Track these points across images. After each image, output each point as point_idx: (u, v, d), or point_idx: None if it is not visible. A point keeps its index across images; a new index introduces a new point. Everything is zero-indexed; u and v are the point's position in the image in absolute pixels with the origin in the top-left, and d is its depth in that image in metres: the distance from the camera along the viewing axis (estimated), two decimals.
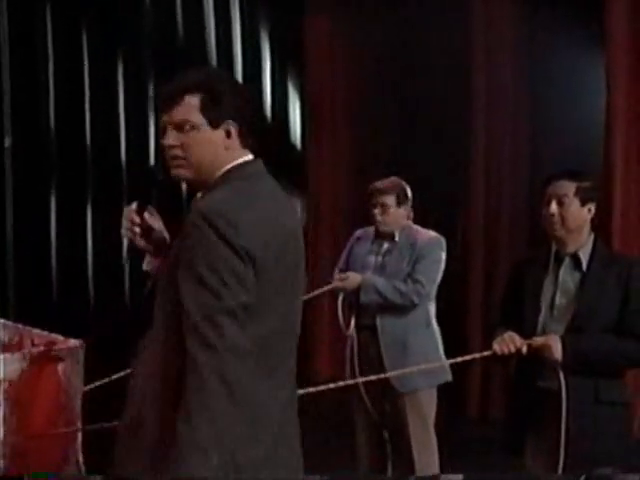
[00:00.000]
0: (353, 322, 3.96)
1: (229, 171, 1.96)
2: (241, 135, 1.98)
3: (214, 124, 1.95)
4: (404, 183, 4.00)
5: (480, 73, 6.46)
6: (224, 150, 1.96)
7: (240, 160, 1.98)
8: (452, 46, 6.45)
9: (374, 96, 7.00)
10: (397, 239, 3.95)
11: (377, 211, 3.93)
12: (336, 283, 3.93)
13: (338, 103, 7.41)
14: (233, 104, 1.97)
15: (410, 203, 3.99)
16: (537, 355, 2.91)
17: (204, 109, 1.95)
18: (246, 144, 2.00)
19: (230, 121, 1.96)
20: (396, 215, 3.93)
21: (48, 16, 5.71)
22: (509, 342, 2.95)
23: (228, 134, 1.97)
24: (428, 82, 6.58)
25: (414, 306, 3.86)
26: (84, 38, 5.97)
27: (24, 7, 5.51)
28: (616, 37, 5.57)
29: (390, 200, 3.92)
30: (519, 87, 6.36)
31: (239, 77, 7.01)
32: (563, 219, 2.95)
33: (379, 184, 3.98)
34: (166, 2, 6.52)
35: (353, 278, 3.87)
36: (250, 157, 2.00)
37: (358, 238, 4.10)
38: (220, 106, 1.95)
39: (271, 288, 1.88)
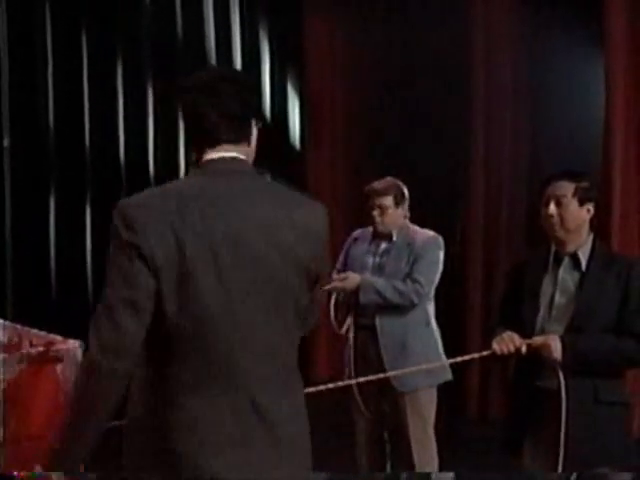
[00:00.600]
0: (348, 322, 3.95)
1: (189, 170, 2.04)
2: (194, 134, 2.03)
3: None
4: (400, 183, 4.00)
5: (480, 73, 6.47)
6: (195, 150, 2.03)
7: (204, 159, 2.00)
8: (452, 46, 6.46)
9: (373, 96, 7.01)
10: (395, 239, 3.95)
11: (375, 212, 3.92)
12: (335, 283, 3.92)
13: (337, 104, 7.41)
14: (183, 105, 2.04)
15: (407, 203, 3.99)
16: (536, 355, 2.91)
17: None
18: (211, 141, 2.00)
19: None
20: (394, 216, 3.94)
21: (47, 16, 5.71)
22: (508, 342, 2.96)
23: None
24: (428, 82, 6.59)
25: (413, 306, 3.86)
26: (83, 38, 5.97)
27: (23, 7, 5.51)
28: (615, 37, 5.57)
29: (388, 201, 3.92)
30: (519, 87, 6.36)
31: None
32: (562, 219, 2.95)
33: (376, 185, 3.97)
34: (165, 3, 6.52)
35: (352, 278, 3.87)
36: (218, 155, 1.99)
37: (355, 239, 4.10)
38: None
39: (179, 290, 1.86)
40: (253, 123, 2.06)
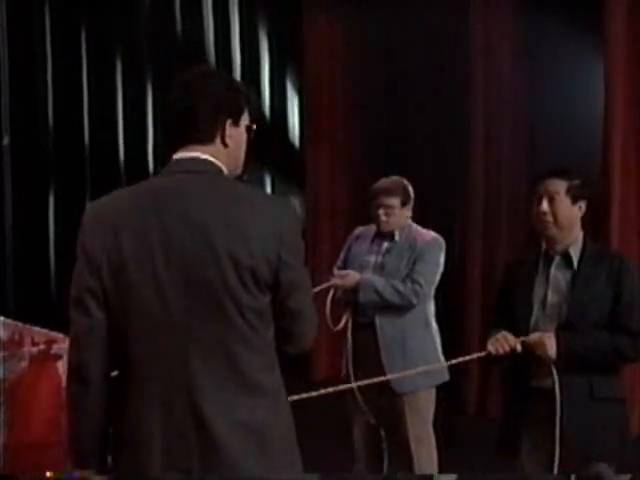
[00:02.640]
0: (344, 319, 3.94)
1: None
2: (168, 131, 2.04)
3: None
4: (407, 183, 3.97)
5: (479, 72, 6.46)
6: (166, 149, 2.05)
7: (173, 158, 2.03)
8: (452, 45, 6.47)
9: (373, 95, 7.01)
10: (397, 239, 3.94)
11: (381, 212, 3.90)
12: (335, 280, 3.92)
13: (336, 102, 7.41)
14: (167, 104, 2.04)
15: (412, 203, 3.98)
16: (531, 353, 2.92)
17: None
18: (178, 140, 2.00)
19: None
20: (400, 216, 3.92)
21: (47, 15, 5.72)
22: (503, 342, 2.97)
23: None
24: (427, 81, 6.60)
25: (412, 306, 3.86)
26: (82, 37, 5.97)
27: (23, 6, 5.52)
28: (615, 37, 5.58)
29: (395, 201, 3.88)
30: (519, 86, 6.36)
31: (238, 77, 7.02)
32: (555, 217, 2.96)
33: (383, 185, 3.93)
34: (165, 2, 6.52)
35: (352, 276, 3.86)
36: (179, 155, 2.00)
37: (357, 237, 4.09)
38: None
39: (118, 289, 1.91)
40: (228, 123, 2.01)
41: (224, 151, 2.01)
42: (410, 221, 3.99)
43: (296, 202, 7.29)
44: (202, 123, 1.98)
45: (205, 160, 1.98)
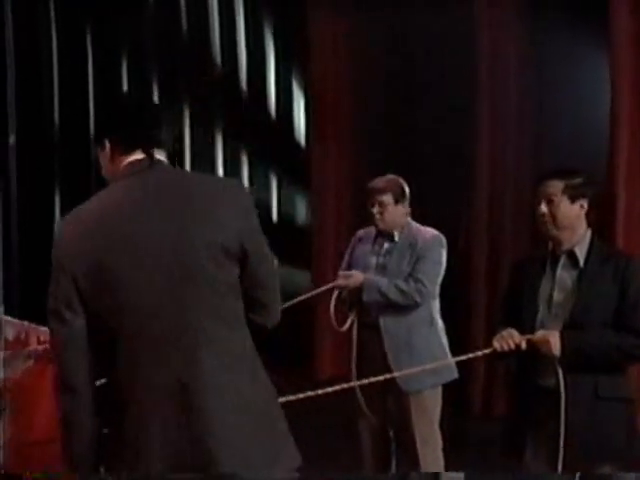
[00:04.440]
0: (350, 319, 3.94)
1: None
2: (117, 144, 2.18)
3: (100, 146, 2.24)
4: (401, 180, 3.98)
5: (485, 70, 6.46)
6: (109, 164, 2.23)
7: (123, 164, 2.17)
8: (456, 43, 6.46)
9: (377, 93, 7.01)
10: (397, 239, 3.94)
11: (375, 210, 3.91)
12: (339, 281, 3.92)
13: (342, 101, 7.41)
14: (103, 121, 2.27)
15: (408, 201, 3.98)
16: (536, 351, 2.92)
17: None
18: (127, 149, 2.15)
19: (105, 139, 2.21)
20: (394, 213, 3.91)
21: (52, 14, 5.73)
22: (508, 339, 2.97)
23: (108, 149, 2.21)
24: (432, 80, 6.59)
25: (417, 305, 3.86)
26: (88, 36, 5.98)
27: (29, 5, 5.53)
28: (621, 39, 5.58)
29: (387, 199, 3.89)
30: (524, 89, 6.35)
31: (243, 76, 7.02)
32: (554, 218, 2.97)
33: (375, 183, 3.95)
34: (170, 1, 6.53)
35: (356, 277, 3.87)
36: (132, 158, 2.15)
37: (359, 239, 4.10)
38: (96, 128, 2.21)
39: (98, 288, 1.97)
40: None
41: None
42: (410, 220, 3.99)
43: (302, 201, 7.29)
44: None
45: (162, 161, 2.15)
